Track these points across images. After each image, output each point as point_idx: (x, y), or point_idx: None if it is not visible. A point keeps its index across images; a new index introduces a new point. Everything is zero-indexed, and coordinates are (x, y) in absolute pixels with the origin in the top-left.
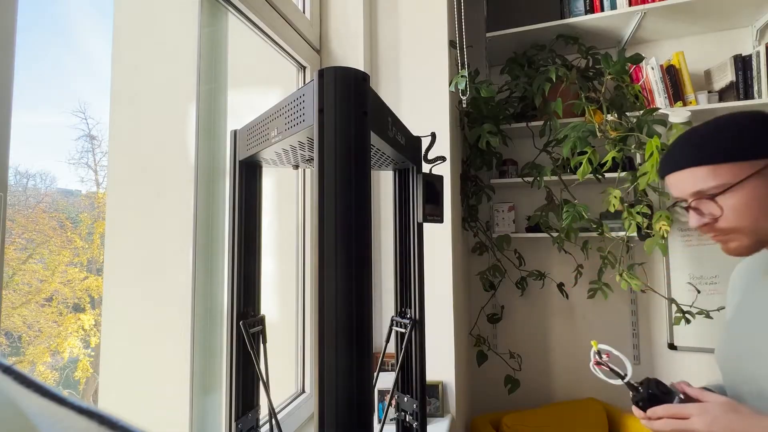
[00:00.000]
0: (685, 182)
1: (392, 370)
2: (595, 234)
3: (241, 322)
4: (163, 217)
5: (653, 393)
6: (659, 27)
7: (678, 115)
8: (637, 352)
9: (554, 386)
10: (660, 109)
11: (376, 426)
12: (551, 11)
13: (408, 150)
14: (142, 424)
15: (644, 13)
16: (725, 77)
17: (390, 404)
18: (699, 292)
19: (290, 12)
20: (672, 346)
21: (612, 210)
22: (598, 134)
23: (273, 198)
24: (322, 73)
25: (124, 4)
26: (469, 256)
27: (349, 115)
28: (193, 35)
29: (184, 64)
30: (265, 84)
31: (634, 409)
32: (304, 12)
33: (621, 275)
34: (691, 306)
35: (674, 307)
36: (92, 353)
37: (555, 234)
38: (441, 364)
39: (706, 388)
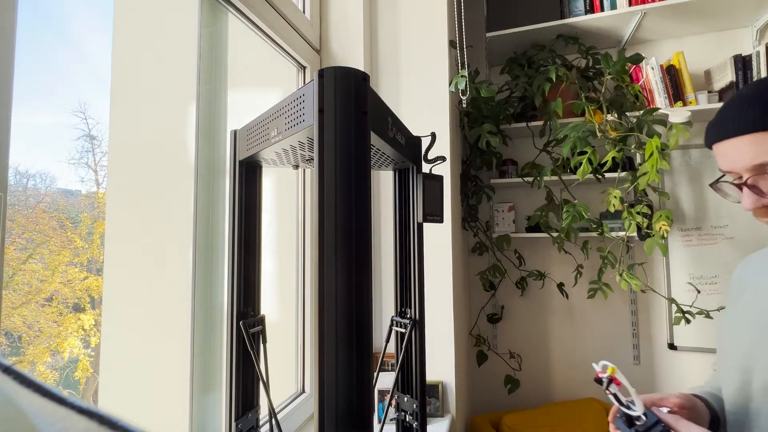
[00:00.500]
0: (742, 151)
1: (392, 370)
2: (595, 234)
3: (241, 322)
4: (163, 218)
5: (648, 422)
6: (659, 27)
7: (678, 115)
8: (637, 352)
9: (554, 386)
10: (660, 109)
11: (376, 426)
12: (551, 11)
13: (408, 150)
14: (142, 424)
15: (644, 13)
16: (725, 77)
17: (390, 404)
18: (699, 292)
19: (290, 12)
20: (672, 346)
21: (612, 210)
22: (598, 134)
23: (273, 198)
24: (322, 73)
25: (124, 4)
26: (469, 256)
27: (349, 115)
28: (193, 35)
29: (184, 64)
30: (265, 84)
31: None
32: (304, 12)
33: (621, 275)
34: (691, 306)
35: (674, 307)
36: (92, 353)
37: (555, 234)
38: (441, 364)
39: (696, 395)
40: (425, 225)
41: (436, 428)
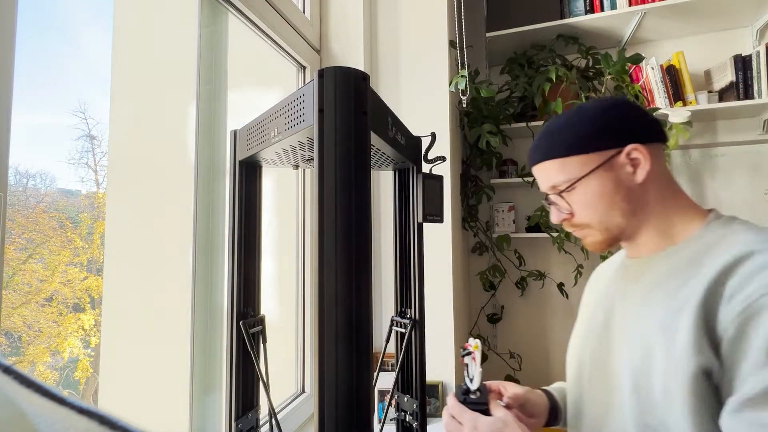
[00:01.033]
0: (541, 176)
1: (392, 370)
2: None
3: (241, 322)
4: (163, 217)
5: (477, 398)
6: (659, 27)
7: (678, 115)
8: None
9: None
10: (660, 109)
11: (376, 426)
12: (551, 11)
13: (408, 150)
14: (142, 424)
15: (644, 13)
16: (725, 77)
17: (390, 404)
18: None
19: (290, 12)
20: None
21: None
22: None
23: (273, 198)
24: (322, 73)
25: (124, 4)
26: (469, 256)
27: (349, 115)
28: (193, 35)
29: (184, 64)
30: (265, 84)
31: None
32: (304, 12)
33: None
34: None
35: None
36: (92, 353)
37: (555, 234)
38: (441, 364)
39: (545, 389)
40: (425, 225)
41: (436, 428)
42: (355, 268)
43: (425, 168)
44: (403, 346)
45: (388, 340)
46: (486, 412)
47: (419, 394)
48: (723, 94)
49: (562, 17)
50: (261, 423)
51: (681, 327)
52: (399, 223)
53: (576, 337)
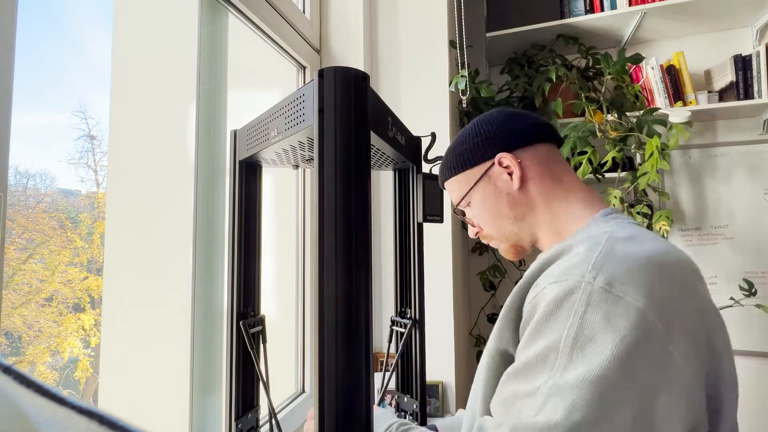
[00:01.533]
0: (451, 195)
1: (392, 370)
2: None
3: (241, 322)
4: (163, 217)
5: None
6: (659, 27)
7: (678, 115)
8: None
9: None
10: (660, 109)
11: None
12: (551, 11)
13: (408, 150)
14: (142, 424)
15: (644, 13)
16: (725, 77)
17: (390, 404)
18: None
19: (290, 12)
20: None
21: None
22: (598, 134)
23: (273, 198)
24: (322, 73)
25: (124, 4)
26: (469, 256)
27: (349, 115)
28: (193, 35)
29: (184, 64)
30: (264, 84)
31: None
32: (304, 12)
33: None
34: None
35: None
36: (92, 353)
37: None
38: (441, 364)
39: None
40: (425, 225)
41: None
42: (355, 268)
43: (425, 168)
44: (403, 346)
45: (390, 341)
46: None
47: (419, 394)
48: (723, 94)
49: (562, 17)
50: (261, 423)
51: (503, 312)
52: (399, 223)
53: None
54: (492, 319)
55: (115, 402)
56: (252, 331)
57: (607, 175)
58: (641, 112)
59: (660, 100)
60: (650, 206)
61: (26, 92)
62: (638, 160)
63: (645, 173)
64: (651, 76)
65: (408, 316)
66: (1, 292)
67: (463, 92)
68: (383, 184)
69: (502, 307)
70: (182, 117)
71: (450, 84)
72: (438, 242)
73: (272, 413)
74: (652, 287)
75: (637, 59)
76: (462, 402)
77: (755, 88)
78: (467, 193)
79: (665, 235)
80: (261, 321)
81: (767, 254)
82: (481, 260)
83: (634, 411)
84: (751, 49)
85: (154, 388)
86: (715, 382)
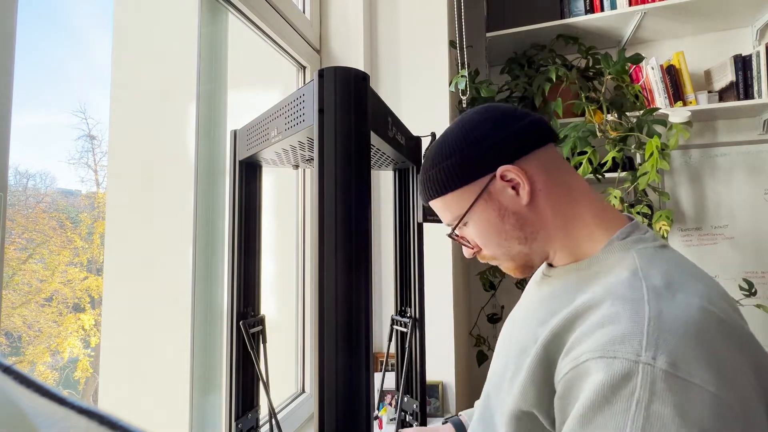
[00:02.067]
0: (439, 214)
1: (392, 370)
2: None
3: (241, 322)
4: (163, 218)
5: None
6: (659, 27)
7: (678, 115)
8: None
9: None
10: (660, 109)
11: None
12: (551, 11)
13: (408, 150)
14: (142, 424)
15: (644, 13)
16: (725, 77)
17: (390, 404)
18: None
19: (290, 12)
20: None
21: None
22: (598, 134)
23: (273, 198)
24: (322, 73)
25: (124, 4)
26: None
27: (349, 115)
28: (193, 35)
29: (184, 64)
30: (265, 84)
31: None
32: (304, 12)
33: None
34: None
35: None
36: (92, 353)
37: None
38: (441, 364)
39: (449, 419)
40: (425, 225)
41: None
42: (355, 268)
43: None
44: (403, 345)
45: (390, 340)
46: None
47: (419, 394)
48: (723, 94)
49: (562, 17)
50: (261, 423)
51: (527, 361)
52: (399, 223)
53: None
54: (492, 319)
55: (115, 402)
56: (252, 331)
57: (607, 175)
58: (641, 112)
59: (660, 100)
60: (650, 206)
61: (26, 92)
62: (638, 160)
63: (645, 173)
64: (651, 76)
65: (408, 315)
66: (1, 292)
67: (463, 92)
68: (383, 184)
69: (502, 307)
70: (182, 117)
71: (450, 84)
72: (438, 242)
73: (272, 413)
74: (718, 360)
75: (637, 59)
76: (462, 402)
77: (755, 88)
78: (464, 214)
79: (665, 235)
80: (261, 321)
81: (767, 254)
82: None
83: None
84: (751, 49)
85: (154, 388)
86: None
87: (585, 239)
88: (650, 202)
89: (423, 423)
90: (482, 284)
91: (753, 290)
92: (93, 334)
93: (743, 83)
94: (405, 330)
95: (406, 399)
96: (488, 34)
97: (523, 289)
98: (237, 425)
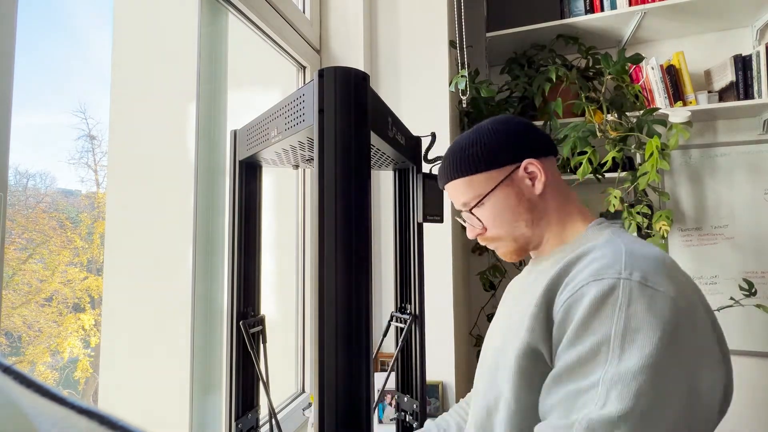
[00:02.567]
0: (453, 194)
1: (392, 371)
2: None
3: (241, 322)
4: (163, 217)
5: None
6: (659, 27)
7: (678, 115)
8: None
9: None
10: (660, 109)
11: (377, 426)
12: (551, 11)
13: (408, 150)
14: (142, 424)
15: (644, 13)
16: (725, 77)
17: (390, 404)
18: None
19: (290, 12)
20: None
21: (612, 210)
22: (598, 134)
23: (273, 198)
24: (322, 73)
25: (124, 4)
26: (469, 256)
27: (349, 115)
28: (193, 35)
29: (184, 64)
30: (265, 84)
31: None
32: (304, 12)
33: None
34: None
35: None
36: (92, 353)
37: None
38: (441, 364)
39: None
40: (425, 225)
41: None
42: (355, 268)
43: (425, 168)
44: (402, 341)
45: (384, 335)
46: None
47: (419, 394)
48: (723, 94)
49: (562, 17)
50: (261, 423)
51: (529, 312)
52: (399, 223)
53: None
54: (492, 319)
55: (115, 402)
56: (252, 331)
57: (607, 175)
58: (641, 112)
59: (660, 100)
60: (650, 206)
61: (26, 92)
62: (638, 160)
63: (645, 173)
64: (651, 76)
65: (408, 312)
66: (1, 292)
67: (463, 92)
68: (383, 184)
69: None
70: (182, 117)
71: (450, 84)
72: (438, 242)
73: (272, 413)
74: (675, 280)
75: (637, 59)
76: None
77: (755, 88)
78: (487, 194)
79: (665, 235)
80: (261, 321)
81: (767, 254)
82: (481, 260)
83: (687, 387)
84: (751, 49)
85: (154, 388)
86: (728, 358)
87: (571, 229)
88: (650, 202)
89: (423, 423)
90: (482, 284)
91: (753, 290)
92: (93, 334)
93: (743, 83)
94: (404, 326)
95: (406, 399)
96: (488, 34)
97: None
98: (237, 425)
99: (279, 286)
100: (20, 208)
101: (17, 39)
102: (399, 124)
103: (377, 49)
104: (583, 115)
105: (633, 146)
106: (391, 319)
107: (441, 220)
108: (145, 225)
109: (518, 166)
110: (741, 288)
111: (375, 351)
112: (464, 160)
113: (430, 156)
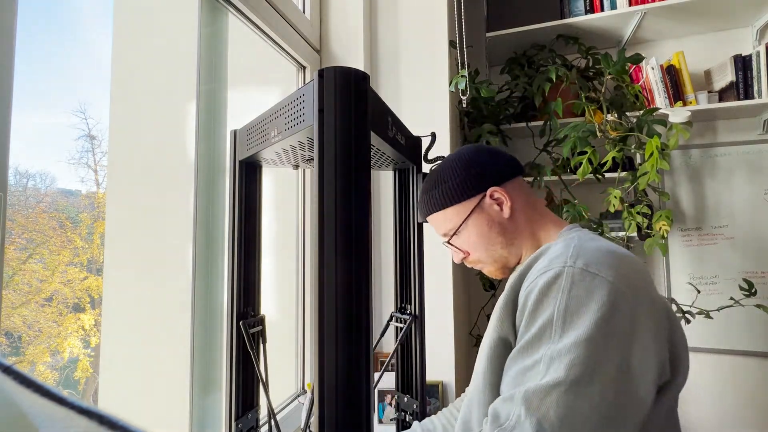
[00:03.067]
0: (434, 227)
1: (392, 371)
2: None
3: (241, 322)
4: (163, 218)
5: None
6: (659, 27)
7: (678, 115)
8: None
9: None
10: (660, 109)
11: (377, 426)
12: (551, 11)
13: (408, 150)
14: (142, 424)
15: (644, 13)
16: (725, 77)
17: (390, 404)
18: (699, 292)
19: (290, 12)
20: None
21: (612, 210)
22: (598, 134)
23: (273, 198)
24: (322, 73)
25: (124, 4)
26: None
27: (349, 115)
28: (193, 35)
29: (184, 64)
30: (265, 84)
31: None
32: (304, 12)
33: None
34: (691, 306)
35: (674, 307)
36: (92, 353)
37: None
38: (441, 364)
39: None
40: (425, 225)
41: None
42: (355, 268)
43: (425, 168)
44: (401, 340)
45: (382, 335)
46: None
47: (419, 394)
48: (723, 94)
49: (562, 17)
50: (261, 423)
51: (499, 307)
52: (399, 223)
53: None
54: None
55: (115, 402)
56: (252, 331)
57: (607, 175)
58: (641, 112)
59: (660, 100)
60: (650, 206)
61: (26, 92)
62: (638, 160)
63: (645, 173)
64: (651, 76)
65: (408, 312)
66: (1, 292)
67: (463, 92)
68: (383, 184)
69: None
70: (182, 117)
71: (450, 84)
72: (438, 242)
73: (271, 413)
74: (618, 268)
75: (637, 59)
76: None
77: (755, 88)
78: (461, 224)
79: (665, 235)
80: (261, 321)
81: (767, 254)
82: None
83: (617, 360)
84: (751, 49)
85: (154, 388)
86: (675, 344)
87: (545, 239)
88: (650, 202)
89: None
90: (482, 284)
91: (753, 290)
92: (93, 334)
93: (743, 83)
94: (403, 326)
95: (406, 399)
96: (488, 34)
97: None
98: (237, 425)
99: (279, 286)
100: (20, 208)
101: (17, 39)
102: (399, 124)
103: (377, 49)
104: (583, 115)
105: (633, 146)
106: (390, 319)
107: None
108: (145, 225)
109: (484, 195)
110: (741, 288)
111: (381, 357)
112: (436, 197)
113: (430, 156)
